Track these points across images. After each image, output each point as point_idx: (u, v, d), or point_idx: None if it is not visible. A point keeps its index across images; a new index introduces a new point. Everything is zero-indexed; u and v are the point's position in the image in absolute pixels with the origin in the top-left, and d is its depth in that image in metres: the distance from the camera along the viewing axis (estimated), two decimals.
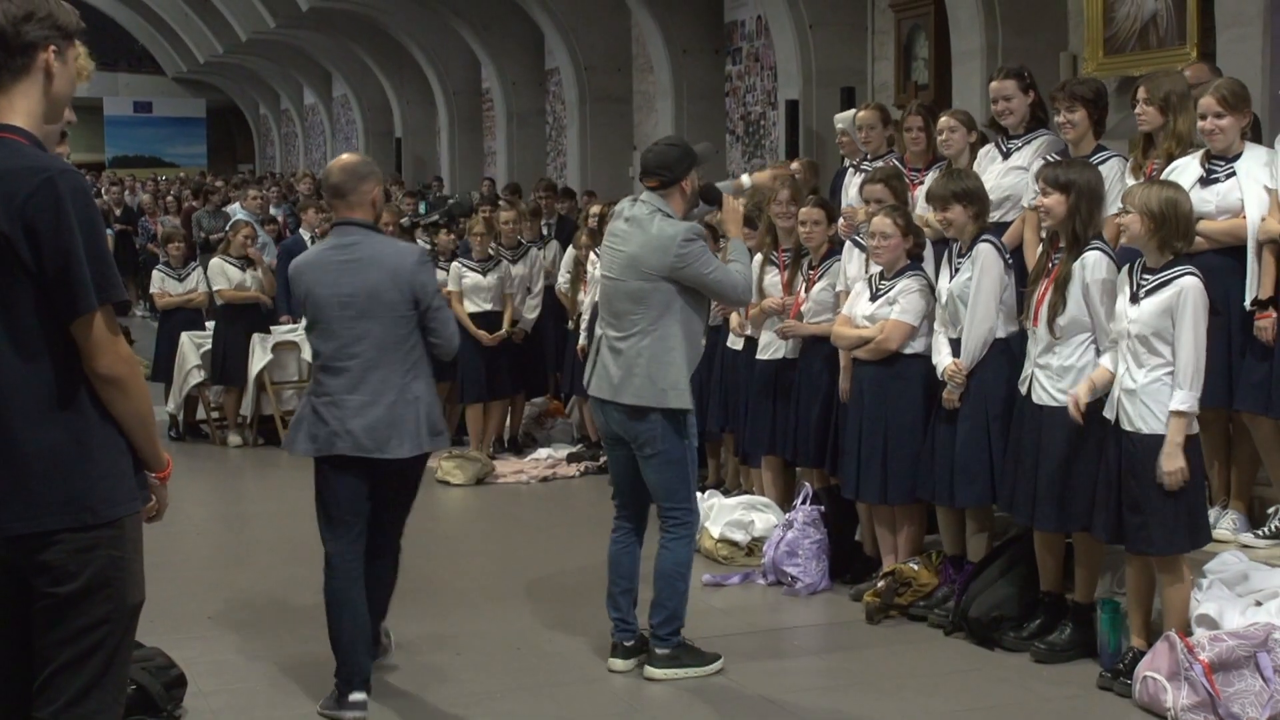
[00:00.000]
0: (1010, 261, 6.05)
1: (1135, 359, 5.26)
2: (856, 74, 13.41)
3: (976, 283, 5.93)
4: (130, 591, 3.16)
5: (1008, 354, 6.01)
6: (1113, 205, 5.77)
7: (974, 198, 6.06)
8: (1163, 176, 5.91)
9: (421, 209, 13.27)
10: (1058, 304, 5.51)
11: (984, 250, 5.96)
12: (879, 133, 7.64)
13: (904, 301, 6.30)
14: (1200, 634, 5.13)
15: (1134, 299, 5.27)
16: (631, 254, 5.58)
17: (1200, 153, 5.91)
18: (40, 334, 3.03)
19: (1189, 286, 5.14)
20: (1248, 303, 5.69)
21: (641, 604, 5.81)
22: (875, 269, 6.56)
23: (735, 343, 7.86)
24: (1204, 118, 5.79)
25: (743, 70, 15.72)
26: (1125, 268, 5.40)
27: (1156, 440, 5.19)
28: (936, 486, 6.15)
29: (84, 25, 3.20)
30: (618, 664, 5.76)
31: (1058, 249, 5.65)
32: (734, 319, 7.78)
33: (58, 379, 3.05)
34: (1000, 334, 6.01)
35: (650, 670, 5.68)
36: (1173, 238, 5.22)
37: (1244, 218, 5.71)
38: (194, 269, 12.09)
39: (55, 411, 3.05)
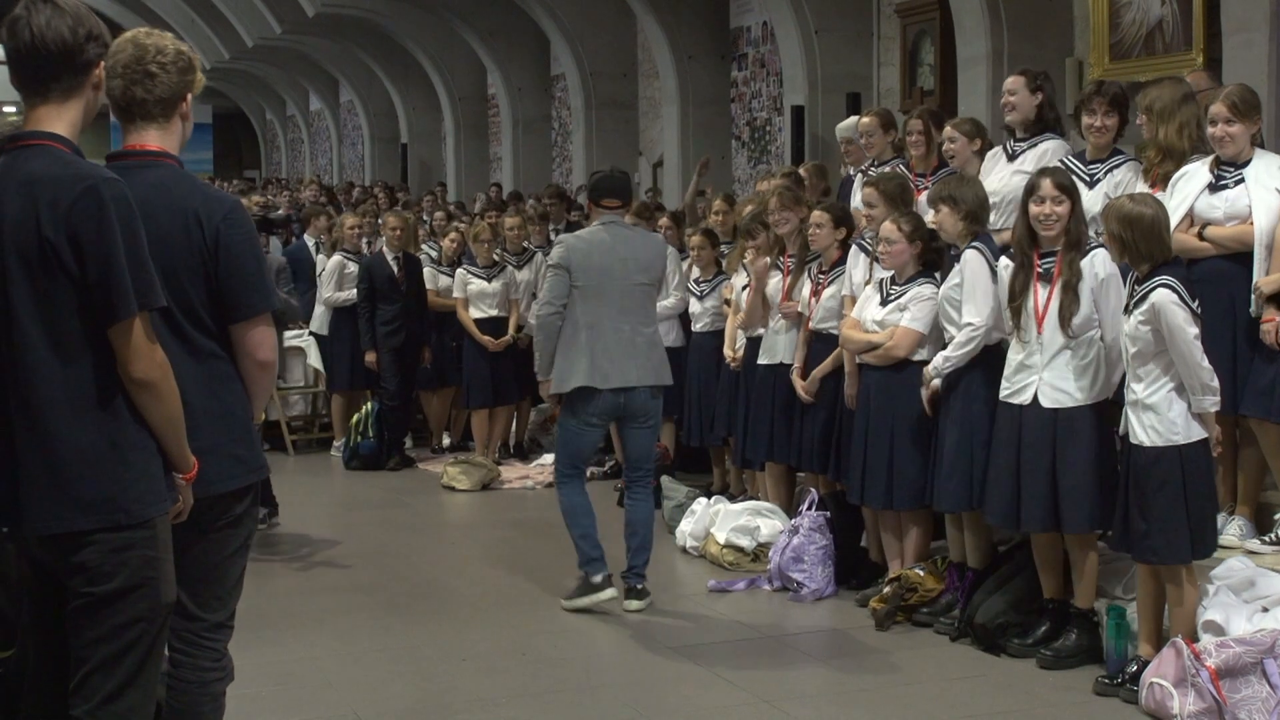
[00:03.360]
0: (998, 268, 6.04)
1: (1134, 372, 5.26)
2: (862, 80, 13.40)
3: (970, 286, 5.93)
4: (164, 590, 3.22)
5: (996, 360, 6.02)
6: None
7: (960, 201, 6.05)
8: (1174, 179, 5.93)
9: None
10: (1071, 305, 5.50)
11: (968, 256, 5.97)
12: (880, 139, 7.67)
13: (915, 309, 6.29)
14: (1207, 640, 5.12)
15: (1127, 311, 5.28)
16: (647, 260, 6.61)
17: (1210, 158, 5.90)
18: (81, 337, 3.10)
19: (1160, 301, 5.11)
20: (1252, 308, 5.69)
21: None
22: (881, 273, 6.56)
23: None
24: (1214, 124, 5.78)
25: (748, 76, 15.72)
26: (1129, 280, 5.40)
27: (1156, 452, 5.19)
28: (902, 489, 6.18)
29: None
30: (611, 594, 6.57)
31: (1042, 256, 5.64)
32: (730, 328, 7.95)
33: (96, 382, 3.11)
34: (991, 340, 6.01)
35: (635, 604, 6.56)
36: (1142, 256, 5.20)
37: (1251, 223, 5.70)
38: None
39: (92, 413, 3.11)
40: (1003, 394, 5.76)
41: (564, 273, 6.50)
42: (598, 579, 6.53)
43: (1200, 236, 5.83)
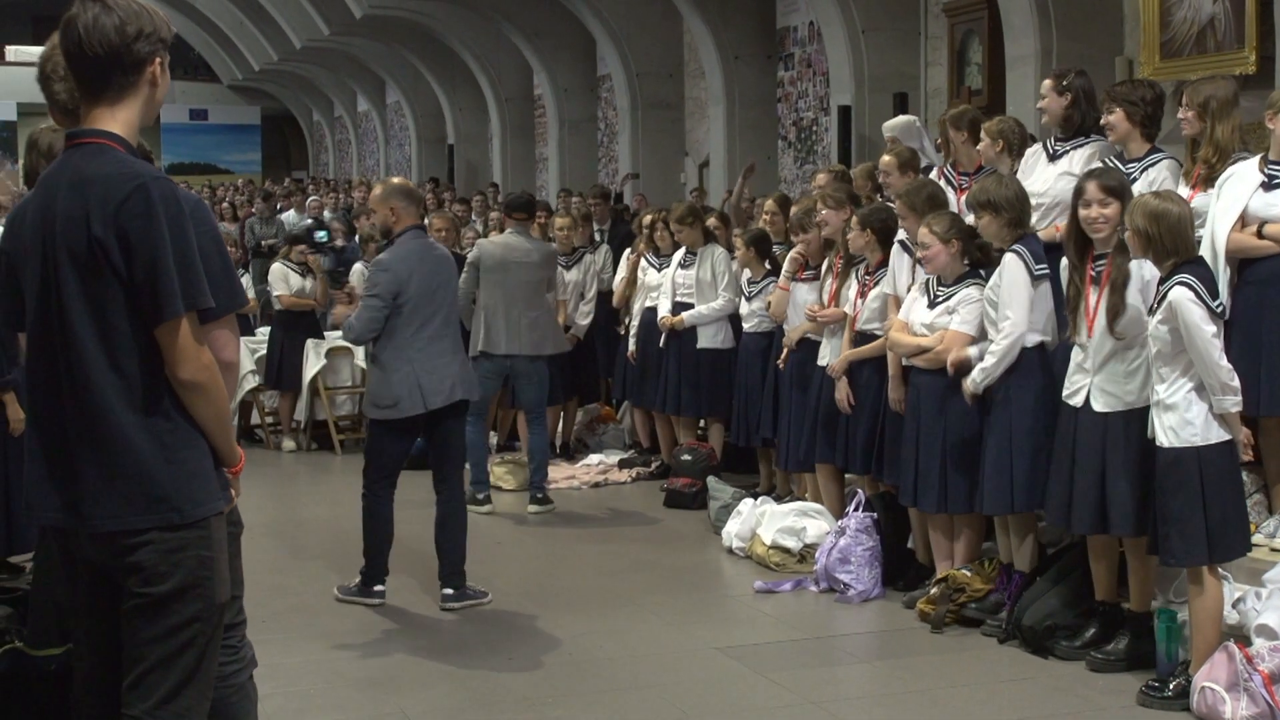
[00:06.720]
0: (1040, 272, 5.98)
1: (1156, 372, 5.21)
2: (909, 79, 13.35)
3: (1006, 292, 5.91)
4: (219, 590, 3.23)
5: (1041, 363, 5.97)
6: None
7: (1002, 207, 6.02)
8: (1220, 181, 5.86)
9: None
10: (1118, 305, 5.44)
11: (1007, 260, 5.94)
12: (896, 179, 7.54)
13: (964, 311, 6.24)
14: (1260, 644, 5.08)
15: (1150, 311, 5.23)
16: (539, 261, 8.70)
17: (1257, 157, 5.83)
18: (130, 337, 3.10)
19: (1177, 299, 5.06)
20: None
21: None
22: (922, 276, 6.54)
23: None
24: None
25: (795, 76, 15.69)
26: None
27: (1175, 453, 5.13)
28: (955, 493, 6.14)
29: (175, 30, 3.29)
30: (489, 509, 8.67)
31: (1094, 259, 5.59)
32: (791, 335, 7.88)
33: (147, 381, 3.12)
34: (1029, 343, 5.98)
35: (536, 508, 8.69)
36: (1167, 252, 5.14)
37: None
38: (242, 275, 12.17)
39: (143, 413, 3.12)
40: (1064, 395, 5.73)
41: (474, 269, 8.57)
42: (481, 496, 8.59)
43: (1260, 235, 5.76)
